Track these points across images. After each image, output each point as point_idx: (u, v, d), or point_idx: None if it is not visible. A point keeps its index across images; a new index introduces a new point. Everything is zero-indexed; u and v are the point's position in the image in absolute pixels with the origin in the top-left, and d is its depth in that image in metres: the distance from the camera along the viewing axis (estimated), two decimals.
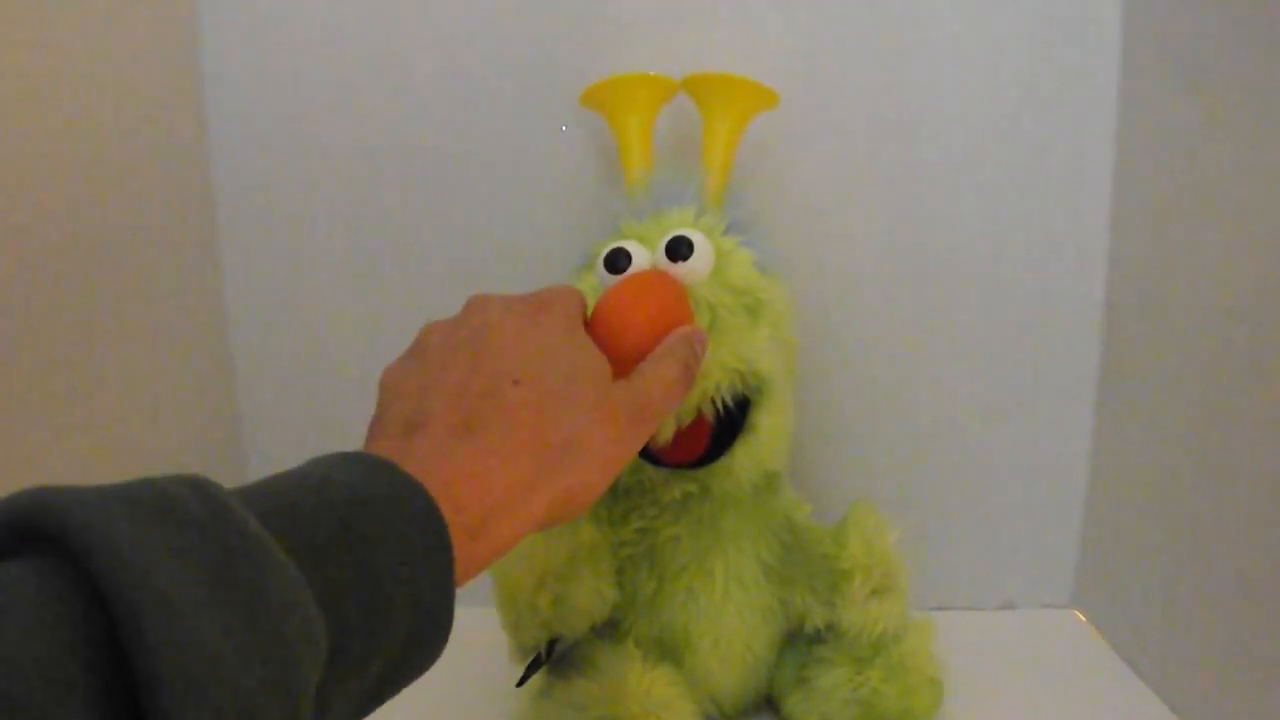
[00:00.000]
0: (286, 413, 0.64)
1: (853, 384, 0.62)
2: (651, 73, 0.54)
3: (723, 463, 0.47)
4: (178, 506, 0.21)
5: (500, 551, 0.31)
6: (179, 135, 0.59)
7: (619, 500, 0.51)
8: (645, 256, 0.47)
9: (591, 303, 0.41)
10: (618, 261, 0.47)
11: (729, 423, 0.46)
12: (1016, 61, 0.58)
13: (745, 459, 0.47)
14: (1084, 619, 0.63)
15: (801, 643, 0.52)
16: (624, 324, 0.40)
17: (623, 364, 0.39)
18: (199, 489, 0.22)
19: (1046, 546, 0.63)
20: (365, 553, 0.25)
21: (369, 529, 0.26)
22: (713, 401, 0.45)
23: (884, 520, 0.51)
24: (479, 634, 0.43)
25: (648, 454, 0.47)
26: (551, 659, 0.48)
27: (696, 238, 0.47)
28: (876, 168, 0.59)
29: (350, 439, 0.32)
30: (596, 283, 0.48)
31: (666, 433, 0.45)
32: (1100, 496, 0.61)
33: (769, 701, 0.54)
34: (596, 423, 0.34)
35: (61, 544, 0.19)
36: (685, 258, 0.46)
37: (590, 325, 0.40)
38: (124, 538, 0.19)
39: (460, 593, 0.28)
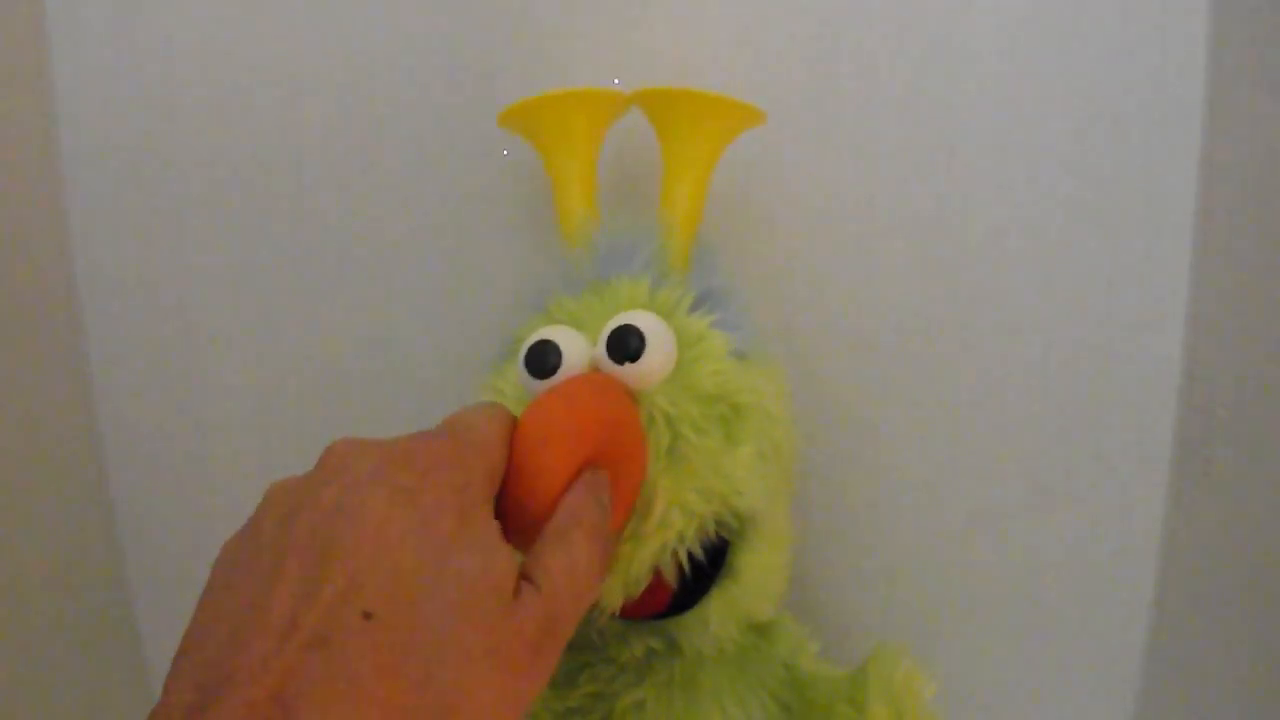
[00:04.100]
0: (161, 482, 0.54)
1: (868, 472, 0.49)
2: (595, 86, 0.41)
3: (695, 613, 0.37)
4: None
5: None
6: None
7: (565, 657, 0.39)
8: (581, 350, 0.35)
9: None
10: (543, 360, 0.35)
11: (700, 568, 0.35)
12: (1084, 72, 0.44)
13: (723, 610, 0.37)
14: None
15: None
16: (538, 471, 0.29)
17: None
18: None
19: (1104, 663, 0.51)
20: None
21: None
22: (674, 555, 0.34)
23: (914, 672, 0.39)
24: None
25: None
26: None
27: (650, 325, 0.35)
28: (899, 205, 0.46)
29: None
30: (522, 387, 0.36)
31: (613, 602, 0.34)
32: (1171, 606, 0.49)
33: None
34: (489, 669, 0.24)
35: None
36: (634, 356, 0.34)
37: (506, 471, 0.29)
38: None
39: None
